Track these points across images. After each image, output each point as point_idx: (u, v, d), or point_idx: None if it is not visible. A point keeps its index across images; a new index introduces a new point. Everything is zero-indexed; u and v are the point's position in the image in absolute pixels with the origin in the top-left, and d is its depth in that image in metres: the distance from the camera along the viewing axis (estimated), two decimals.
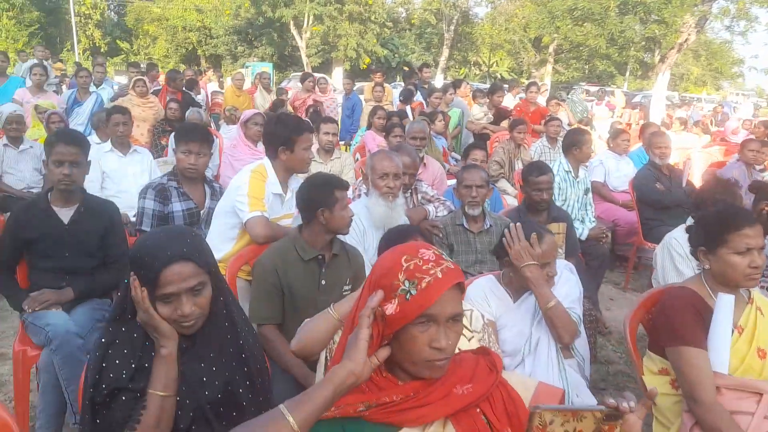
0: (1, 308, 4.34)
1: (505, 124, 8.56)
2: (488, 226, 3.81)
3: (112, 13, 43.26)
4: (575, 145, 5.12)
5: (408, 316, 1.30)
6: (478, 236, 3.79)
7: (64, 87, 10.80)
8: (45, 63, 10.23)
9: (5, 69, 8.51)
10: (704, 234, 2.39)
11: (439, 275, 1.31)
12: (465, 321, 2.04)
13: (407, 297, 1.30)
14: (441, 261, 1.35)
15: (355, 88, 11.75)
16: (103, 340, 1.73)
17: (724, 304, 2.23)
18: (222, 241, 3.37)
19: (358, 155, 6.98)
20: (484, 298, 2.66)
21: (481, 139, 8.32)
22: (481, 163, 5.21)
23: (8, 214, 4.90)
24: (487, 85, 16.23)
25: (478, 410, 1.44)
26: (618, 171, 6.29)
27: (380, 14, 32.28)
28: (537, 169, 4.03)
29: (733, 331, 2.23)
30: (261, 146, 5.76)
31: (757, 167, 6.31)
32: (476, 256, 3.76)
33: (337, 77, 28.50)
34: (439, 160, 6.24)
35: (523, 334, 2.55)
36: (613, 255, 5.83)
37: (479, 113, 8.95)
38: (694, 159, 8.57)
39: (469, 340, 2.13)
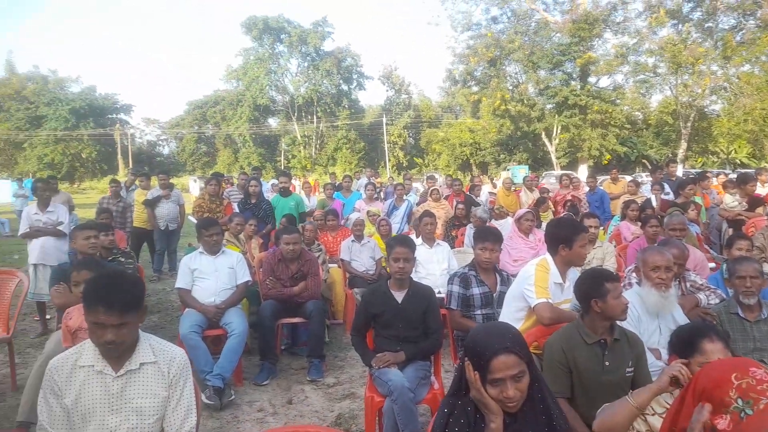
0: (351, 358, 4.69)
1: (760, 210, 7.14)
2: (765, 315, 3.09)
3: (411, 138, 47.92)
4: None
5: None
6: (755, 325, 3.08)
7: (381, 194, 11.44)
8: (372, 180, 11.50)
9: (350, 186, 9.78)
10: None
11: None
12: None
13: (741, 416, 1.06)
14: None
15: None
16: (445, 410, 1.73)
17: None
18: (511, 321, 3.25)
19: (614, 242, 6.40)
20: None
21: (735, 226, 7.03)
22: (747, 252, 4.32)
23: (354, 289, 5.55)
24: (728, 171, 13.82)
25: None
26: None
27: (619, 119, 30.25)
28: None
29: None
30: (531, 237, 5.64)
31: None
32: (755, 344, 3.04)
33: (581, 173, 27.07)
34: (696, 246, 5.38)
35: None
36: None
37: (732, 202, 7.60)
38: None
39: None
